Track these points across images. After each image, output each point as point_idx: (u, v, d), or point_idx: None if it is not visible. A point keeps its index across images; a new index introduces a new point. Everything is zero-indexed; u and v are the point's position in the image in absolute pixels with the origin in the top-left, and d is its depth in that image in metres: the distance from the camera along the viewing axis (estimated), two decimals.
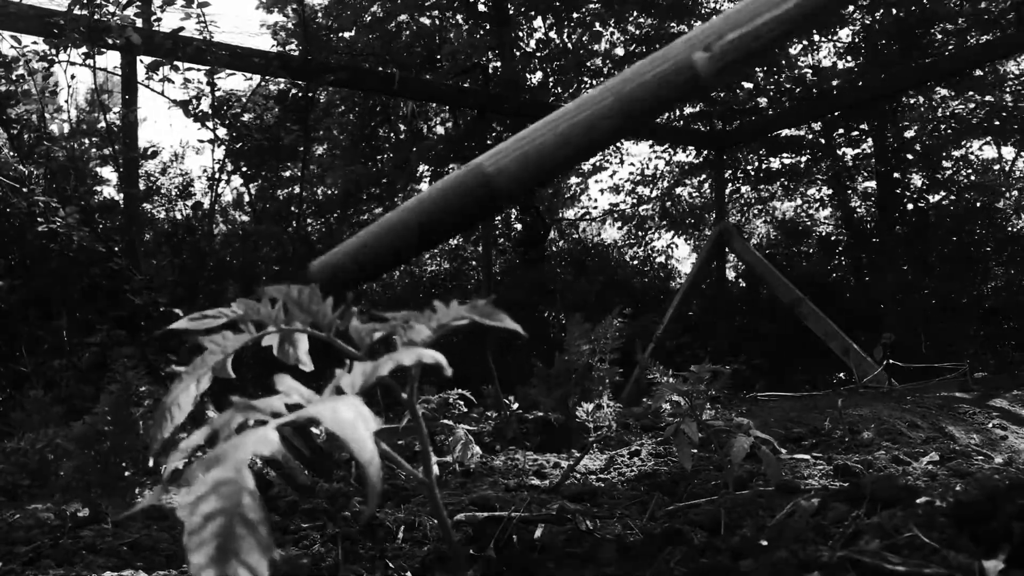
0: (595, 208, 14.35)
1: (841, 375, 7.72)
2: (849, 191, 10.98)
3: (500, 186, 1.31)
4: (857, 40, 10.05)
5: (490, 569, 1.36)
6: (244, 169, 6.42)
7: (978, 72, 9.38)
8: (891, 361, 4.77)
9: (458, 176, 1.33)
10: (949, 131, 10.01)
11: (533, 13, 10.32)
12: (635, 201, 13.10)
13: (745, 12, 1.31)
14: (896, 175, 10.14)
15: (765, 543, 1.26)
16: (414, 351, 0.65)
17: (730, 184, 11.50)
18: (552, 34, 10.53)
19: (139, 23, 5.02)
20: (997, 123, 9.60)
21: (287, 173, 7.35)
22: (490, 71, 9.86)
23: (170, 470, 0.58)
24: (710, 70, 1.28)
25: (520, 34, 10.47)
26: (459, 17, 10.41)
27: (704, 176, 12.05)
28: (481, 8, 10.37)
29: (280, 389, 0.66)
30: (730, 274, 10.25)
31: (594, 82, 10.65)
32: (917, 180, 10.21)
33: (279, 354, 0.87)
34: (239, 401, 0.62)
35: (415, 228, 1.33)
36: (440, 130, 11.32)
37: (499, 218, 11.32)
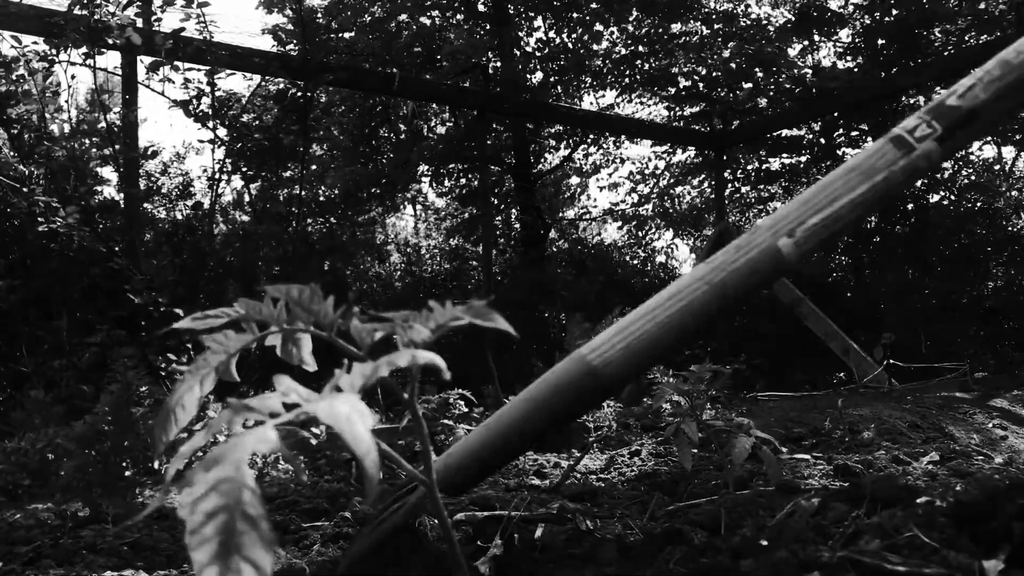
0: (595, 208, 14.36)
1: (841, 375, 7.72)
2: None
3: (606, 380, 1.36)
4: (857, 40, 10.06)
5: (490, 569, 1.36)
6: (244, 169, 6.43)
7: None
8: (891, 361, 4.77)
9: (564, 370, 1.39)
10: None
11: (533, 13, 10.32)
12: (635, 201, 13.11)
13: (823, 196, 1.37)
14: None
15: (765, 543, 1.26)
16: (410, 353, 0.66)
17: (730, 184, 11.51)
18: (552, 34, 10.53)
19: (139, 23, 5.03)
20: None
21: (287, 173, 7.35)
22: (490, 71, 9.86)
23: (172, 472, 0.58)
24: (794, 254, 1.35)
25: (520, 34, 10.47)
26: (459, 17, 10.41)
27: (704, 176, 12.06)
28: (481, 8, 10.37)
29: (279, 389, 0.66)
30: None
31: (595, 82, 10.65)
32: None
33: (282, 354, 0.87)
34: (235, 402, 0.62)
35: (533, 424, 1.39)
36: (440, 130, 11.32)
37: (499, 218, 11.34)
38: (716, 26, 10.00)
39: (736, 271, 1.36)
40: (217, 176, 6.14)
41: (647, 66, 10.34)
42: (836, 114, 9.71)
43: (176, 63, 5.39)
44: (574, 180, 13.57)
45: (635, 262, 12.40)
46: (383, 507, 1.44)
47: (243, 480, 0.50)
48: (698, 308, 1.36)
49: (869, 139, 10.66)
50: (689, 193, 13.00)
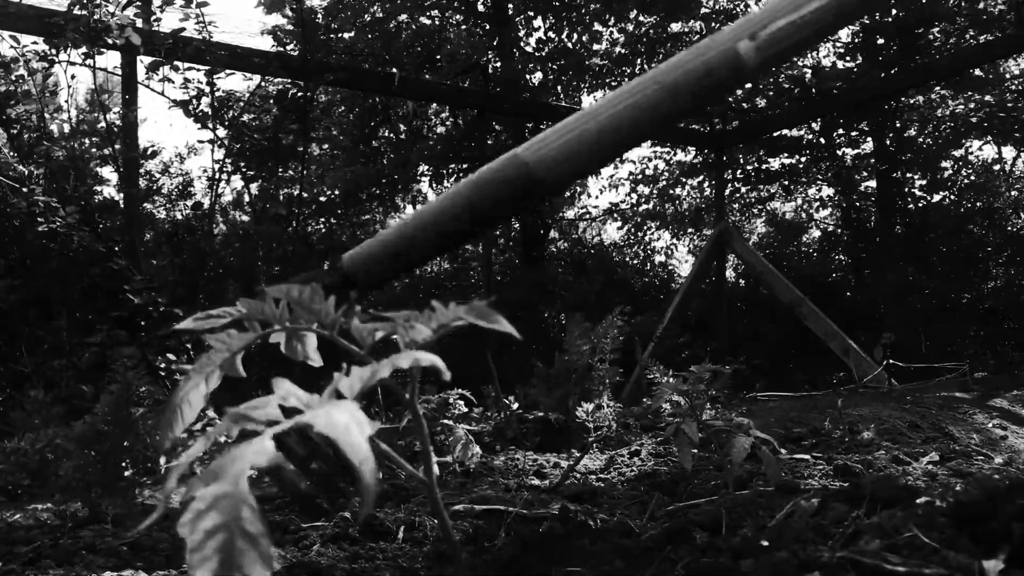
0: (595, 208, 14.36)
1: (841, 375, 7.72)
2: (849, 191, 10.98)
3: (540, 176, 1.27)
4: (857, 40, 10.06)
5: (491, 569, 1.36)
6: (244, 169, 6.43)
7: (978, 72, 9.38)
8: (891, 361, 4.77)
9: (497, 165, 1.30)
10: (949, 131, 10.02)
11: (533, 13, 10.32)
12: (635, 201, 13.11)
13: (788, 1, 1.28)
14: (896, 175, 10.14)
15: (766, 543, 1.26)
16: (411, 354, 0.66)
17: (730, 184, 11.51)
18: (552, 34, 10.53)
19: (139, 23, 5.02)
20: (997, 123, 9.60)
21: (287, 173, 7.35)
22: (490, 71, 9.86)
23: (173, 481, 0.58)
24: (755, 60, 1.26)
25: (520, 34, 10.47)
26: (459, 17, 10.41)
27: (704, 176, 12.06)
28: (481, 8, 10.36)
29: (278, 394, 0.66)
30: (730, 274, 10.26)
31: (595, 82, 10.66)
32: (917, 180, 10.21)
33: (287, 351, 0.88)
34: (232, 411, 0.62)
35: (450, 219, 1.30)
36: (440, 130, 11.32)
37: None
38: (715, 25, 9.99)
39: (691, 71, 1.27)
40: (217, 176, 6.14)
41: (647, 66, 10.33)
42: (836, 114, 9.71)
43: (176, 63, 5.38)
44: None
45: (635, 262, 12.40)
46: None
47: (242, 496, 0.50)
48: (645, 107, 1.26)
49: (869, 139, 10.67)
50: (689, 193, 13.00)
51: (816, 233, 11.91)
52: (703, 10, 10.20)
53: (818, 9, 1.26)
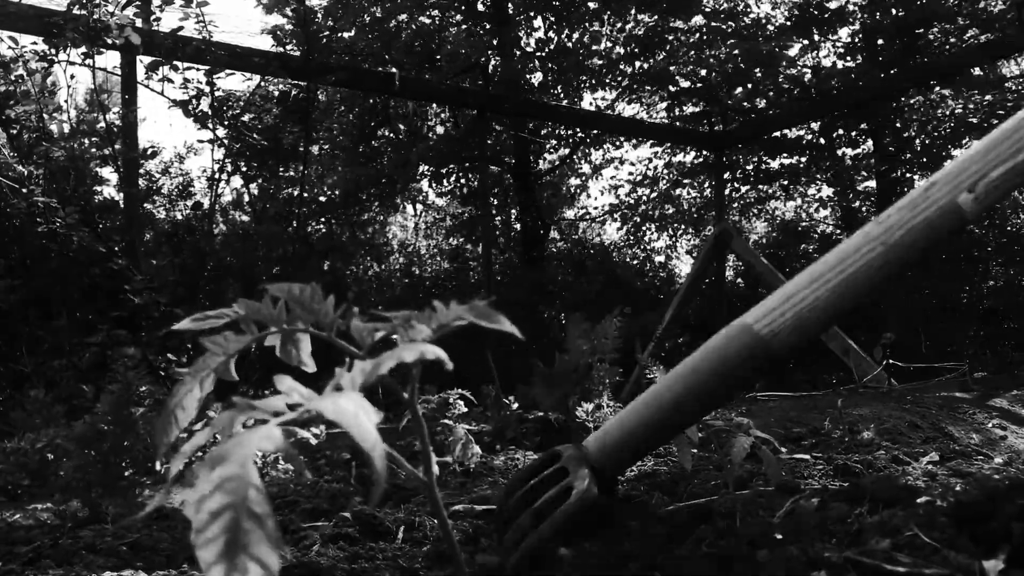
0: (595, 208, 14.35)
1: (841, 375, 7.72)
2: (849, 191, 10.98)
3: (775, 348, 1.29)
4: (857, 40, 10.05)
5: (492, 570, 1.36)
6: (244, 169, 6.43)
7: (978, 72, 9.38)
8: (891, 361, 4.77)
9: (728, 337, 1.32)
10: (948, 131, 10.02)
11: (533, 13, 10.32)
12: (635, 201, 13.11)
13: (1007, 147, 1.26)
14: (896, 175, 10.14)
15: (780, 536, 1.26)
16: (417, 347, 0.65)
17: (730, 184, 11.50)
18: (552, 34, 10.53)
19: (138, 23, 5.02)
20: (997, 123, 9.58)
21: (288, 173, 7.35)
22: (490, 71, 9.86)
23: (174, 472, 0.58)
24: (975, 210, 1.26)
25: (520, 34, 10.47)
26: (459, 17, 10.41)
27: (704, 176, 12.06)
28: (481, 8, 10.36)
29: (281, 389, 0.66)
30: (730, 274, 10.26)
31: (594, 82, 10.65)
32: (917, 180, 10.21)
33: (282, 355, 0.87)
34: (240, 401, 0.62)
35: (695, 403, 1.33)
36: (440, 130, 11.32)
37: (499, 218, 11.34)
38: (716, 24, 10.00)
39: (912, 230, 1.27)
40: (217, 176, 6.14)
41: (646, 65, 10.34)
42: (836, 114, 9.71)
43: (175, 63, 5.38)
44: (574, 180, 13.57)
45: (635, 262, 12.40)
46: (535, 497, 1.35)
47: (249, 478, 0.50)
48: (873, 269, 1.27)
49: (869, 139, 10.67)
50: (689, 193, 13.00)
51: (819, 230, 11.91)
52: (703, 9, 10.20)
53: None
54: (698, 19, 10.14)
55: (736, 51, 9.40)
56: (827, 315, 1.29)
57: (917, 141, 10.27)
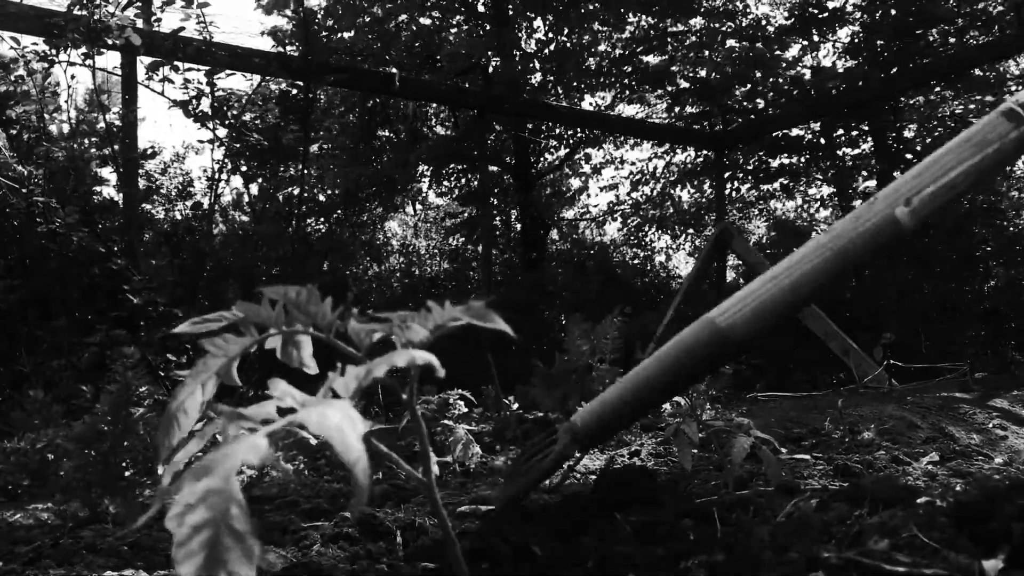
0: (595, 208, 14.35)
1: (841, 375, 7.72)
2: (849, 191, 10.98)
3: (734, 338, 1.50)
4: (857, 40, 10.05)
5: (492, 569, 1.36)
6: (244, 169, 6.43)
7: (978, 72, 9.37)
8: (891, 361, 4.77)
9: (693, 332, 1.55)
10: (948, 131, 10.01)
11: (533, 13, 10.32)
12: (635, 201, 13.11)
13: (937, 168, 1.50)
14: (896, 175, 10.14)
15: (780, 537, 1.26)
16: (408, 353, 0.65)
17: (730, 184, 11.50)
18: (552, 34, 10.53)
19: (139, 23, 5.02)
20: None
21: (288, 173, 7.35)
22: (490, 71, 9.86)
23: (167, 481, 0.58)
24: (911, 222, 1.48)
25: (520, 34, 10.47)
26: (459, 17, 10.41)
27: (704, 176, 12.06)
28: (481, 8, 10.36)
29: (274, 394, 0.66)
30: (731, 274, 10.25)
31: (594, 82, 10.65)
32: None
33: (283, 356, 0.87)
34: (227, 410, 0.62)
35: (654, 385, 1.55)
36: (440, 130, 11.32)
37: (499, 218, 11.34)
38: (715, 25, 9.99)
39: (856, 238, 1.50)
40: (217, 176, 6.14)
41: (646, 65, 10.34)
42: (836, 114, 9.71)
43: (176, 63, 5.38)
44: (574, 181, 13.57)
45: (635, 262, 12.40)
46: (528, 456, 1.62)
47: (231, 493, 0.50)
48: (821, 272, 1.49)
49: (869, 139, 10.67)
50: (689, 193, 13.01)
51: (819, 230, 11.91)
52: (703, 9, 10.20)
53: (959, 174, 1.49)
54: (697, 20, 10.14)
55: (736, 51, 9.40)
56: (778, 309, 1.49)
57: (917, 141, 10.27)
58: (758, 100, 10.03)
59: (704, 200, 12.66)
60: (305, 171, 7.07)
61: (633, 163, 14.23)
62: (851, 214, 1.55)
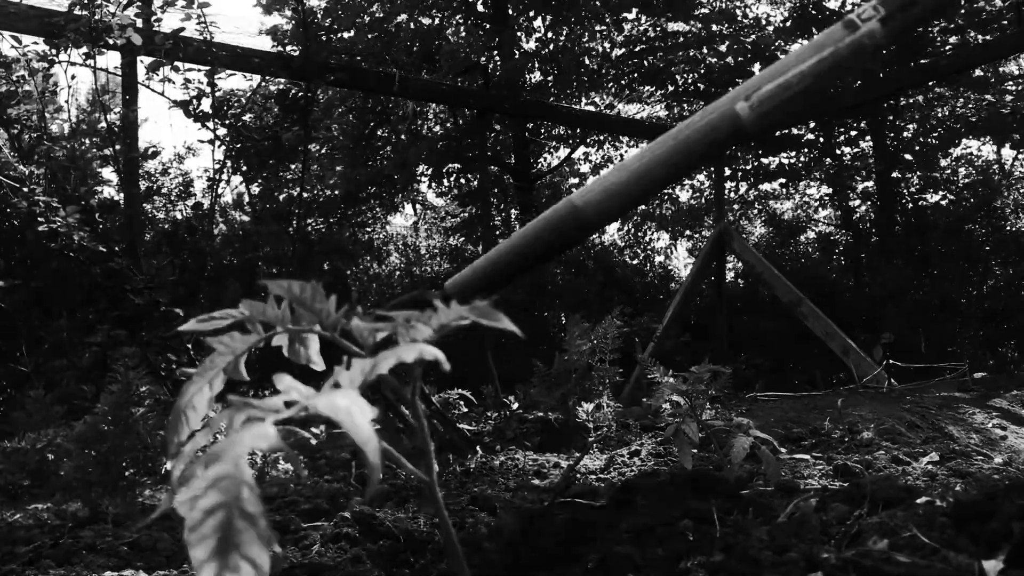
0: None
1: (841, 375, 7.72)
2: (849, 191, 10.98)
3: (587, 215, 1.65)
4: None
5: (492, 570, 1.36)
6: (244, 169, 6.43)
7: (978, 72, 9.37)
8: (891, 361, 4.77)
9: (555, 209, 1.72)
10: (947, 131, 10.02)
11: (532, 13, 10.31)
12: None
13: (777, 68, 1.63)
14: (895, 174, 10.14)
15: (783, 537, 1.27)
16: (416, 347, 0.65)
17: (729, 184, 11.50)
18: (551, 34, 10.53)
19: (139, 23, 5.02)
20: (997, 123, 9.59)
21: (288, 173, 7.35)
22: (490, 71, 9.85)
23: (176, 474, 0.58)
24: (751, 117, 1.57)
25: (520, 34, 10.46)
26: (459, 17, 10.40)
27: (703, 176, 12.06)
28: (481, 8, 10.36)
29: (280, 388, 0.66)
30: (730, 274, 10.25)
31: (594, 82, 10.65)
32: (916, 179, 10.21)
33: (289, 354, 0.87)
34: (236, 400, 0.62)
35: (522, 253, 1.71)
36: (439, 130, 11.32)
37: (499, 218, 11.34)
38: (715, 27, 9.99)
39: (698, 129, 1.62)
40: (217, 176, 6.14)
41: (645, 64, 10.34)
42: (835, 113, 9.70)
43: (176, 63, 5.38)
44: (574, 181, 13.57)
45: (634, 262, 12.40)
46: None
47: (242, 477, 0.50)
48: (664, 159, 1.63)
49: (869, 139, 10.67)
50: (688, 193, 13.01)
51: (815, 233, 11.91)
52: (702, 10, 10.20)
53: (796, 74, 1.59)
54: (697, 21, 10.14)
55: (735, 50, 9.40)
56: (628, 190, 1.65)
57: (916, 141, 10.27)
58: None
59: (703, 200, 12.66)
60: (305, 171, 7.07)
61: None
62: (699, 112, 1.68)
